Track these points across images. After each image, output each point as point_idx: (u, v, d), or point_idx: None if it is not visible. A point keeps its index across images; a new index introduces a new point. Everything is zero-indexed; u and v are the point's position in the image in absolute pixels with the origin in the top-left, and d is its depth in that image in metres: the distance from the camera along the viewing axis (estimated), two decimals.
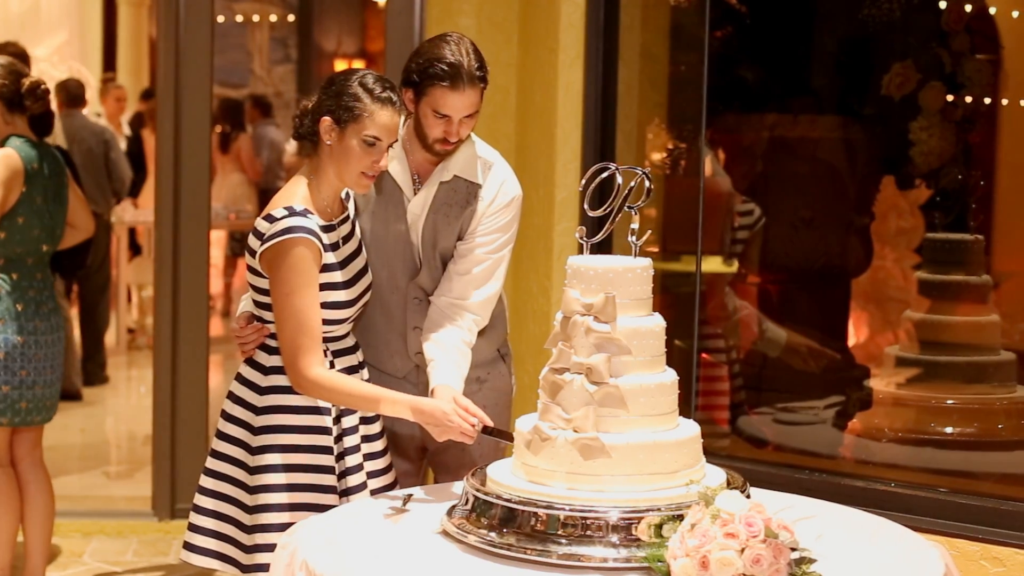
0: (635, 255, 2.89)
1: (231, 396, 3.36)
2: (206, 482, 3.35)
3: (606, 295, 2.80)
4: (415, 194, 3.49)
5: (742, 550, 2.46)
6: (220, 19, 13.97)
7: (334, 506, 3.24)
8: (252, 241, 3.27)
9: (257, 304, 3.36)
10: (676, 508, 2.69)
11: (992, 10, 5.25)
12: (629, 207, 2.94)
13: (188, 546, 3.34)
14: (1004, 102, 5.20)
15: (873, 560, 2.82)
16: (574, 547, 2.69)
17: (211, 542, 3.32)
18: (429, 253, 3.50)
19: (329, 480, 3.29)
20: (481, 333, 3.53)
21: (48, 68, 10.32)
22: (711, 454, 3.12)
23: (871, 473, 4.64)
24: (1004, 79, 5.12)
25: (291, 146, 10.89)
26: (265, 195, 10.41)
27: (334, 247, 3.30)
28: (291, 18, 15.31)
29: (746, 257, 5.40)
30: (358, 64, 14.26)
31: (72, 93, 8.54)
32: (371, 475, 3.38)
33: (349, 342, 3.41)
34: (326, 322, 3.27)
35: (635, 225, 2.91)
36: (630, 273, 2.85)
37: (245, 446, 3.31)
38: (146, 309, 10.28)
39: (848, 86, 5.43)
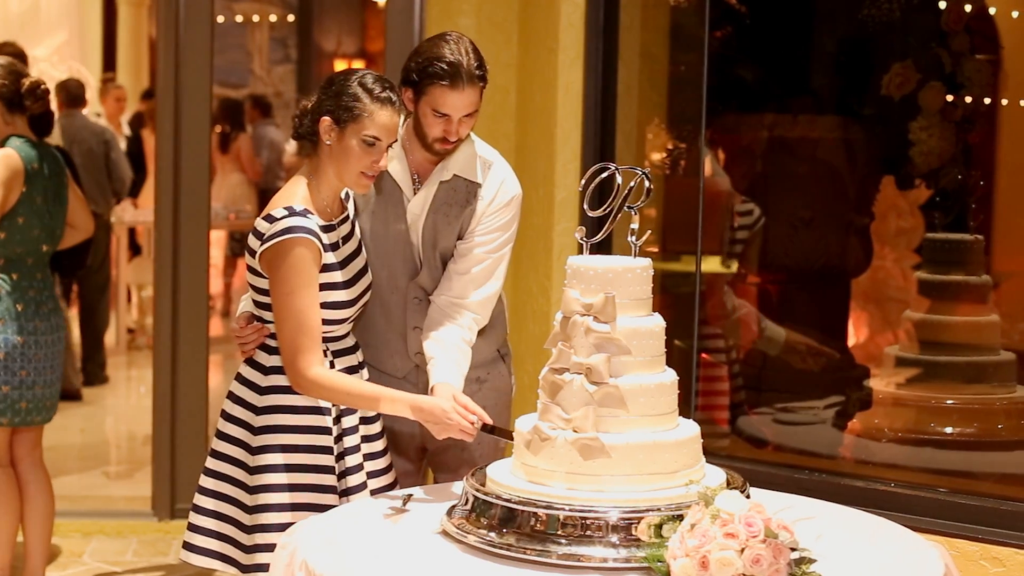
0: (635, 255, 2.89)
1: (231, 396, 3.36)
2: (206, 482, 3.35)
3: (606, 295, 2.80)
4: (415, 194, 3.49)
5: (742, 550, 2.46)
6: (220, 19, 13.97)
7: (334, 506, 3.24)
8: (252, 241, 3.27)
9: (257, 304, 3.36)
10: (676, 508, 2.69)
11: (992, 10, 5.25)
12: (629, 207, 2.94)
13: (188, 546, 3.34)
14: (1004, 102, 5.20)
15: (873, 560, 2.82)
16: (574, 547, 2.69)
17: (211, 542, 3.32)
18: (429, 253, 3.50)
19: (329, 480, 3.29)
20: (481, 333, 3.53)
21: (48, 68, 10.32)
22: (711, 454, 3.12)
23: (871, 473, 4.64)
24: (1004, 79, 5.12)
25: (291, 146, 10.89)
26: (265, 195, 10.41)
27: (334, 247, 3.30)
28: (291, 18, 15.31)
29: (746, 257, 5.40)
30: (358, 64, 14.27)
31: (72, 93, 8.54)
32: (371, 475, 3.38)
33: (349, 342, 3.41)
34: (326, 322, 3.27)
35: (635, 225, 2.91)
36: (630, 273, 2.85)
37: (245, 446, 3.31)
38: (146, 309, 10.28)
39: (848, 86, 5.43)
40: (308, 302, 3.20)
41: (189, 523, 3.35)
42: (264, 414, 3.29)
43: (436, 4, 5.29)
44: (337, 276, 3.29)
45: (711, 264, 5.26)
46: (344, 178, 3.28)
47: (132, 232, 10.43)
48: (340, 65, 14.17)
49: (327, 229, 3.28)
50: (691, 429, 2.90)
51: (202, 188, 5.83)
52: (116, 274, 9.76)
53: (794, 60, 5.48)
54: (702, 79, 4.64)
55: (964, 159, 5.02)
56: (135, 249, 10.55)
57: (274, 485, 3.25)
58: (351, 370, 3.38)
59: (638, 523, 2.68)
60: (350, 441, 3.34)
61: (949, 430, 4.77)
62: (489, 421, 3.22)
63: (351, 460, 3.33)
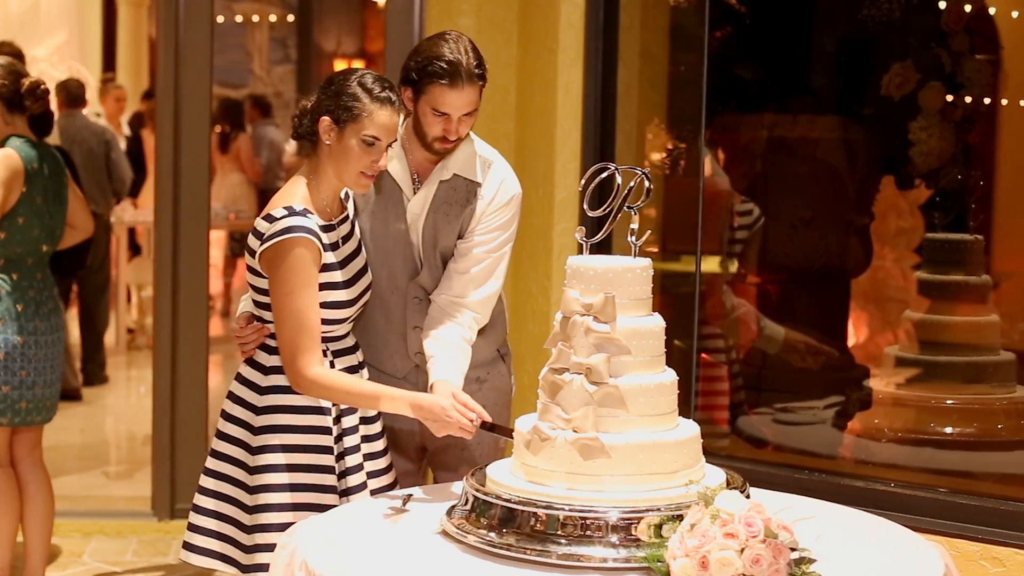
0: (635, 255, 2.89)
1: (231, 396, 3.37)
2: (206, 482, 3.35)
3: (605, 295, 2.80)
4: (415, 193, 3.49)
5: (742, 550, 2.46)
6: (220, 19, 13.98)
7: (334, 506, 3.25)
8: (252, 241, 3.27)
9: (257, 304, 3.36)
10: (676, 508, 2.69)
11: (992, 10, 5.25)
12: (629, 207, 2.94)
13: (188, 546, 3.34)
14: (1004, 102, 5.20)
15: (873, 560, 2.82)
16: (574, 547, 2.69)
17: (211, 542, 3.32)
18: (429, 252, 3.50)
19: (329, 480, 3.29)
20: (481, 333, 3.53)
21: (48, 68, 10.33)
22: (711, 454, 3.12)
23: (871, 473, 4.63)
24: (1004, 79, 5.12)
25: (291, 146, 10.89)
26: (264, 195, 10.41)
27: (334, 247, 3.30)
28: (291, 18, 15.31)
29: (745, 257, 5.40)
30: (358, 64, 14.27)
31: (72, 93, 8.54)
32: (371, 475, 3.38)
33: (349, 342, 3.41)
34: (326, 322, 3.28)
35: (635, 225, 2.91)
36: (629, 273, 2.85)
37: (245, 446, 3.31)
38: (146, 309, 10.28)
39: (848, 86, 5.43)
40: (308, 302, 3.20)
41: (189, 523, 3.35)
42: (264, 414, 3.29)
43: (436, 4, 5.29)
44: (337, 276, 3.29)
45: (711, 264, 5.26)
46: (344, 178, 3.28)
47: (132, 232, 10.43)
48: (340, 65, 14.17)
49: (327, 229, 3.28)
50: (691, 429, 2.90)
51: (202, 188, 5.83)
52: (116, 274, 9.76)
53: (794, 60, 5.48)
54: (702, 79, 4.64)
55: (964, 159, 5.02)
56: (135, 249, 10.55)
57: (274, 485, 3.25)
58: (351, 370, 3.38)
59: (638, 523, 2.68)
60: (350, 441, 3.34)
61: (949, 430, 4.77)
62: (488, 419, 3.22)
63: (351, 460, 3.33)
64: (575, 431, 2.77)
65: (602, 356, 2.79)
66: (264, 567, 3.13)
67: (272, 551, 2.99)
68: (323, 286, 3.25)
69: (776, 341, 5.37)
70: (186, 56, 5.74)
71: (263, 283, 3.27)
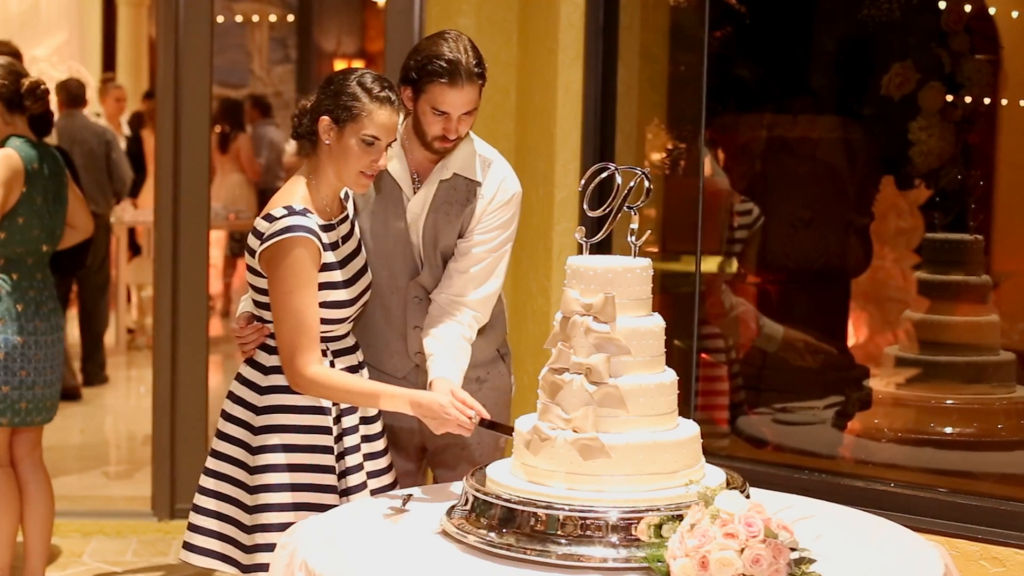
0: (634, 255, 2.89)
1: (231, 396, 3.37)
2: (206, 482, 3.35)
3: (605, 295, 2.80)
4: (415, 193, 3.49)
5: (741, 550, 2.46)
6: (220, 19, 13.98)
7: (334, 506, 3.25)
8: (251, 241, 3.27)
9: (257, 304, 3.36)
10: (676, 508, 2.69)
11: (992, 10, 5.25)
12: (628, 207, 2.94)
13: (188, 546, 3.34)
14: (1004, 102, 5.20)
15: (873, 560, 2.82)
16: (574, 547, 2.69)
17: (211, 542, 3.32)
18: (430, 252, 3.50)
19: (329, 480, 3.29)
20: (481, 333, 3.53)
21: (48, 68, 10.33)
22: (711, 454, 3.12)
23: (871, 473, 4.64)
24: (1003, 79, 5.12)
25: (291, 146, 10.89)
26: (264, 195, 10.40)
27: (333, 246, 3.30)
28: (291, 18, 15.31)
29: (745, 257, 5.40)
30: (358, 64, 14.27)
31: (73, 93, 8.54)
32: (371, 475, 3.38)
33: (349, 342, 3.41)
34: (326, 321, 3.28)
35: (634, 225, 2.91)
36: (629, 273, 2.85)
37: (245, 446, 3.31)
38: (146, 309, 10.28)
39: (847, 86, 5.43)
40: (307, 301, 3.20)
41: (189, 523, 3.35)
42: (264, 414, 3.29)
43: (436, 4, 5.29)
44: (337, 275, 3.29)
45: (711, 264, 5.26)
46: (343, 177, 3.28)
47: (132, 232, 10.43)
48: (340, 65, 14.16)
49: (326, 228, 3.28)
50: (691, 429, 2.90)
51: (202, 188, 5.83)
52: (116, 274, 9.76)
53: (794, 60, 5.48)
54: (702, 79, 4.64)
55: (964, 159, 5.02)
56: (135, 249, 10.55)
57: (275, 485, 3.25)
58: (351, 370, 3.38)
59: (638, 523, 2.68)
60: (350, 441, 3.34)
61: (949, 430, 4.77)
62: (487, 416, 3.22)
63: (351, 460, 3.33)
64: (575, 431, 2.77)
65: (602, 356, 2.79)
66: (264, 567, 3.13)
67: (272, 551, 2.98)
68: (323, 286, 3.25)
69: (775, 340, 5.38)
70: (186, 56, 5.74)
71: (263, 283, 3.27)
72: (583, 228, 2.93)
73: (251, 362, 3.37)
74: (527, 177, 4.24)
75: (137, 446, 7.43)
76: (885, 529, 3.06)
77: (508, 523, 2.77)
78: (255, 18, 15.02)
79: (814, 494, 3.43)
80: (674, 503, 2.71)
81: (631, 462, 2.76)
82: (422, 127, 3.40)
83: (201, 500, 3.34)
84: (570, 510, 2.72)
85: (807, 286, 5.49)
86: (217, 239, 10.59)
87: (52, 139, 5.16)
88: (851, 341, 5.58)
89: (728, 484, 2.84)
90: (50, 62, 10.82)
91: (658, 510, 2.69)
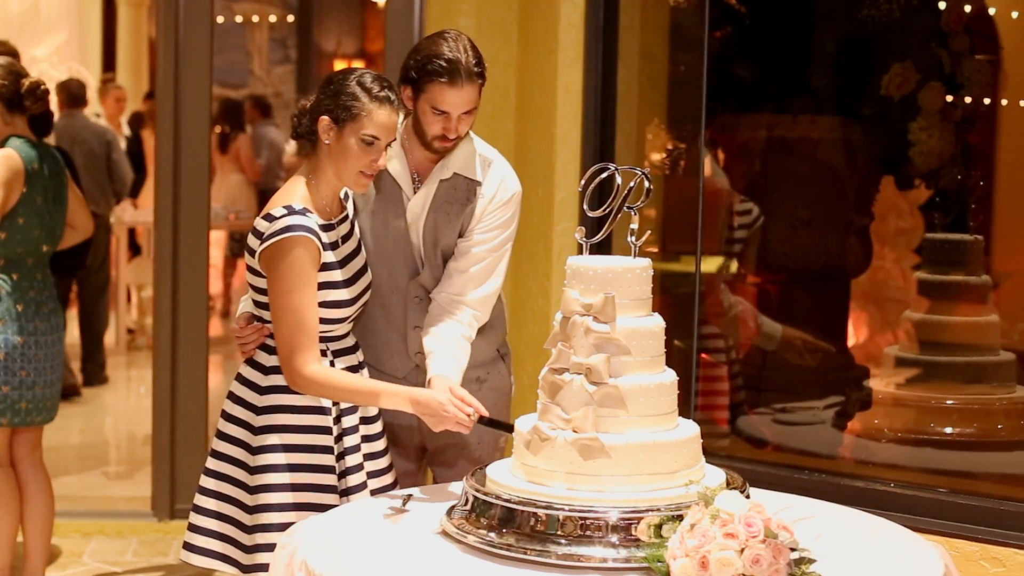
0: (634, 255, 2.89)
1: (231, 396, 3.37)
2: (206, 482, 3.35)
3: (605, 295, 2.80)
4: (415, 192, 3.49)
5: (741, 550, 2.46)
6: (220, 19, 13.98)
7: (334, 506, 3.25)
8: (251, 241, 3.27)
9: (257, 304, 3.36)
10: (676, 508, 2.69)
11: (991, 10, 5.25)
12: (628, 207, 2.94)
13: (188, 546, 3.34)
14: (1003, 102, 5.20)
15: (873, 560, 2.82)
16: (573, 547, 2.69)
17: (211, 542, 3.32)
18: (431, 252, 3.50)
19: (330, 480, 3.29)
20: (481, 333, 3.53)
21: (48, 68, 10.33)
22: (711, 454, 3.12)
23: (871, 473, 4.64)
24: (1003, 79, 5.12)
25: (291, 146, 10.89)
26: (264, 195, 10.41)
27: (333, 246, 3.30)
28: (291, 18, 15.32)
29: (745, 256, 5.40)
30: (358, 64, 14.27)
31: (73, 93, 8.55)
32: (371, 475, 3.38)
33: (349, 342, 3.41)
34: (326, 321, 3.28)
35: (634, 225, 2.91)
36: (629, 273, 2.85)
37: (245, 446, 3.31)
38: (146, 309, 10.28)
39: (847, 86, 5.43)
40: (306, 301, 3.20)
41: (190, 523, 3.35)
42: (264, 414, 3.29)
43: (436, 4, 5.29)
44: (336, 275, 3.29)
45: (711, 264, 5.26)
46: (343, 177, 3.28)
47: (132, 232, 10.43)
48: (340, 65, 14.16)
49: (326, 228, 3.28)
50: (691, 429, 2.90)
51: (202, 188, 5.83)
52: (116, 274, 9.76)
53: (794, 60, 5.48)
54: (702, 79, 4.64)
55: (964, 159, 5.02)
56: (135, 249, 10.55)
57: (275, 485, 3.25)
58: (351, 370, 3.37)
59: (638, 523, 2.68)
60: (350, 441, 3.34)
61: (949, 430, 4.77)
62: (485, 413, 3.22)
63: (351, 460, 3.33)
64: (575, 431, 2.77)
65: (602, 356, 2.79)
66: (265, 567, 3.13)
67: (273, 551, 2.98)
68: (323, 285, 3.25)
69: (773, 338, 5.38)
70: (186, 56, 5.74)
71: (263, 283, 3.27)
72: (583, 228, 2.93)
73: (251, 362, 3.37)
74: (527, 177, 4.24)
75: (137, 446, 7.43)
76: (885, 529, 3.06)
77: (508, 523, 2.77)
78: (255, 18, 15.02)
79: (814, 494, 3.43)
80: (674, 503, 2.71)
81: (631, 462, 2.76)
82: (422, 127, 3.40)
83: (201, 500, 3.34)
84: (570, 510, 2.72)
85: (807, 286, 5.49)
86: (217, 239, 10.60)
87: (52, 139, 5.16)
88: (851, 341, 5.58)
89: (728, 484, 2.84)
90: (50, 62, 10.82)
91: (658, 510, 2.69)
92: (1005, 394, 4.79)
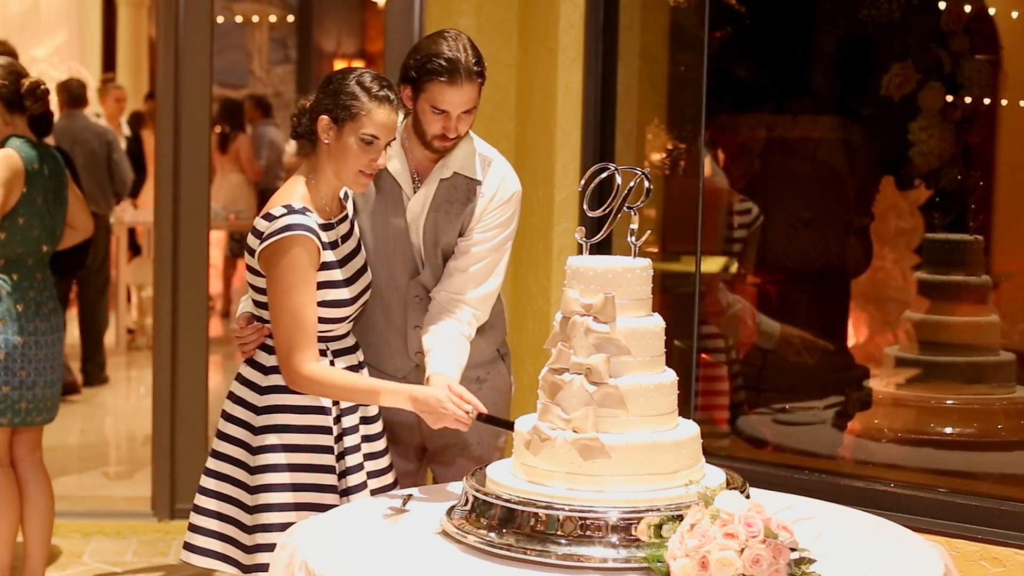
0: (634, 255, 2.89)
1: (231, 396, 3.37)
2: (207, 482, 3.35)
3: (605, 295, 2.80)
4: (415, 192, 3.49)
5: (741, 550, 2.46)
6: (220, 20, 13.98)
7: (335, 506, 3.25)
8: (251, 240, 3.27)
9: (257, 304, 3.36)
10: (676, 508, 2.69)
11: (991, 11, 5.25)
12: (628, 207, 2.94)
13: (189, 546, 3.34)
14: (1003, 102, 5.20)
15: (873, 560, 2.82)
16: (573, 547, 2.69)
17: (212, 542, 3.32)
18: (431, 251, 3.50)
19: (330, 480, 3.29)
20: (481, 333, 3.53)
21: (48, 68, 10.33)
22: (711, 454, 3.12)
23: (871, 473, 4.64)
24: (1003, 79, 5.12)
25: (291, 146, 10.89)
26: (264, 195, 10.41)
27: (333, 245, 3.30)
28: (291, 19, 15.31)
29: (745, 256, 5.40)
30: (358, 64, 14.26)
31: (74, 93, 8.54)
32: (371, 475, 3.38)
33: (349, 342, 3.41)
34: (327, 321, 3.28)
35: (634, 225, 2.91)
36: (629, 273, 2.85)
37: (246, 446, 3.31)
38: (146, 309, 10.28)
39: (847, 86, 5.43)
40: (305, 300, 3.20)
41: (190, 523, 3.35)
42: (265, 414, 3.29)
43: (436, 4, 5.30)
44: (336, 274, 3.29)
45: (711, 264, 5.26)
46: (342, 177, 3.28)
47: (132, 232, 10.43)
48: (340, 65, 14.15)
49: (326, 228, 3.28)
50: (691, 429, 2.90)
51: (202, 188, 5.83)
52: (116, 274, 9.76)
53: (794, 60, 5.48)
54: (702, 79, 4.64)
55: (964, 159, 5.02)
56: (135, 249, 10.55)
57: (275, 485, 3.25)
58: (352, 370, 3.37)
59: (638, 523, 2.68)
60: (350, 441, 3.34)
61: (949, 430, 4.77)
62: (484, 410, 3.22)
63: (351, 460, 3.33)
64: (575, 431, 2.77)
65: (602, 356, 2.79)
66: (265, 567, 3.13)
67: (273, 551, 2.98)
68: (323, 284, 3.25)
69: (772, 336, 5.38)
70: (186, 56, 5.74)
71: (262, 283, 3.27)
72: (583, 228, 2.93)
73: (251, 362, 3.37)
74: (527, 177, 4.24)
75: (137, 446, 7.43)
76: (885, 529, 3.06)
77: (508, 523, 2.77)
78: (255, 18, 15.02)
79: (814, 494, 3.43)
80: (674, 503, 2.71)
81: (631, 462, 2.76)
82: (422, 126, 3.40)
83: (202, 500, 3.34)
84: (570, 510, 2.72)
85: (807, 286, 5.49)
86: (217, 239, 10.60)
87: (52, 139, 5.16)
88: (851, 341, 5.58)
89: (728, 484, 2.84)
90: (50, 62, 10.83)
91: (658, 510, 2.69)
92: (1005, 394, 4.79)
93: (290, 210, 3.21)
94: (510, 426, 3.10)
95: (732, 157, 5.58)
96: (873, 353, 5.44)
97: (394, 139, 3.31)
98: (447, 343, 3.38)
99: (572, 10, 4.73)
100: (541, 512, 2.74)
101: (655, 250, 5.07)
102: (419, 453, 3.68)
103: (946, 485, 4.30)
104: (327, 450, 3.29)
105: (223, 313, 11.10)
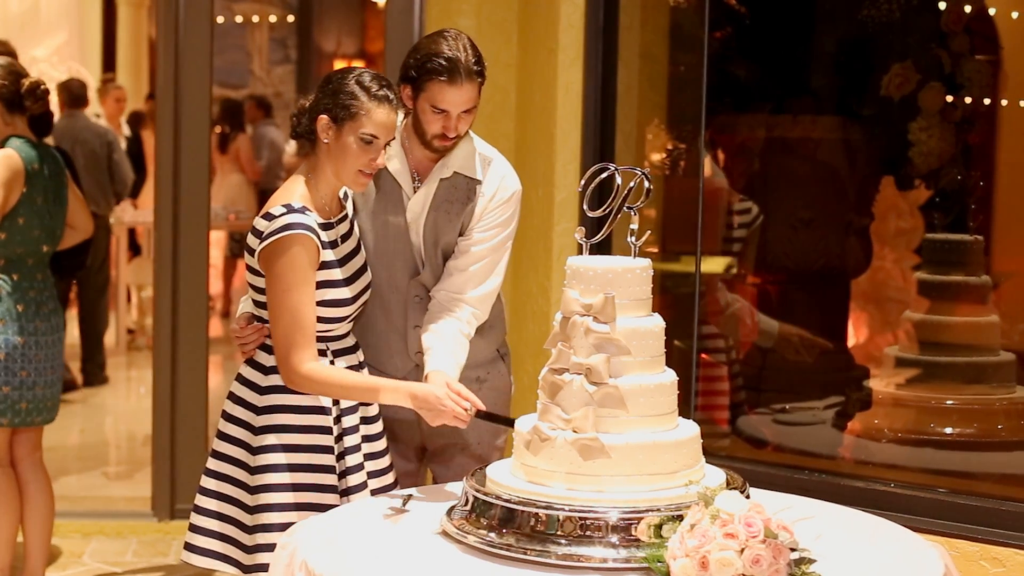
0: (634, 255, 2.89)
1: (231, 396, 3.37)
2: (207, 483, 3.35)
3: (605, 295, 2.80)
4: (415, 192, 3.49)
5: (741, 550, 2.46)
6: (220, 20, 13.98)
7: (335, 506, 3.25)
8: (251, 240, 3.27)
9: (257, 304, 3.36)
10: (676, 508, 2.69)
11: (992, 11, 5.25)
12: (628, 207, 2.94)
13: (189, 547, 3.34)
14: (1003, 103, 5.20)
15: (873, 560, 2.82)
16: (573, 547, 2.69)
17: (212, 543, 3.32)
18: (431, 251, 3.50)
19: (330, 480, 3.29)
20: (481, 333, 3.53)
21: (48, 68, 10.33)
22: (711, 454, 3.12)
23: (871, 473, 4.64)
24: (1003, 80, 5.12)
25: (291, 147, 10.90)
26: (264, 195, 10.41)
27: (332, 245, 3.30)
28: (291, 19, 15.32)
29: (744, 256, 5.40)
30: (358, 64, 14.26)
31: (75, 94, 8.55)
32: (371, 475, 3.38)
33: (350, 342, 3.41)
34: (327, 320, 3.28)
35: (634, 225, 2.91)
36: (629, 273, 2.85)
37: (246, 446, 3.31)
38: (146, 309, 10.28)
39: (847, 87, 5.43)
40: (304, 299, 3.20)
41: (190, 524, 3.35)
42: (265, 414, 3.29)
43: (436, 4, 5.30)
44: (336, 273, 3.29)
45: (711, 264, 5.26)
46: (342, 176, 3.28)
47: (132, 232, 10.43)
48: (340, 65, 14.14)
49: (326, 227, 3.28)
50: (691, 429, 2.90)
51: (202, 188, 5.83)
52: (116, 275, 9.76)
53: (794, 60, 5.48)
54: (702, 79, 4.64)
55: (964, 160, 5.02)
56: (135, 249, 10.55)
57: (276, 485, 3.25)
58: (352, 370, 3.37)
59: (638, 523, 2.68)
60: (351, 441, 3.34)
61: (949, 430, 4.77)
62: (482, 407, 3.22)
63: (351, 460, 3.33)
64: (575, 431, 2.77)
65: (602, 356, 2.79)
66: (265, 567, 3.13)
67: (273, 551, 2.98)
68: (322, 284, 3.25)
69: (770, 335, 5.38)
70: (186, 57, 5.74)
71: (262, 282, 3.27)
72: (583, 228, 2.93)
73: (251, 362, 3.37)
74: (527, 177, 4.25)
75: (137, 446, 7.43)
76: (885, 529, 3.06)
77: (508, 523, 2.77)
78: (255, 19, 15.02)
79: (814, 494, 3.43)
80: (674, 503, 2.71)
81: (631, 462, 2.76)
82: (422, 126, 3.40)
83: (202, 501, 3.34)
84: (570, 510, 2.72)
85: (807, 287, 5.49)
86: (217, 239, 10.60)
87: (53, 140, 5.16)
88: (851, 341, 5.58)
89: (728, 484, 2.84)
90: (50, 62, 10.82)
91: (658, 510, 2.69)
92: (1005, 394, 4.79)
93: (290, 209, 3.21)
94: (509, 422, 3.10)
95: (732, 157, 5.58)
96: (873, 353, 5.44)
97: (394, 139, 3.31)
98: (446, 341, 3.38)
99: (572, 10, 4.73)
100: (541, 512, 2.74)
101: (655, 250, 5.07)
102: (419, 453, 3.68)
103: (946, 485, 4.30)
104: (327, 450, 3.29)
105: (223, 313, 11.10)
